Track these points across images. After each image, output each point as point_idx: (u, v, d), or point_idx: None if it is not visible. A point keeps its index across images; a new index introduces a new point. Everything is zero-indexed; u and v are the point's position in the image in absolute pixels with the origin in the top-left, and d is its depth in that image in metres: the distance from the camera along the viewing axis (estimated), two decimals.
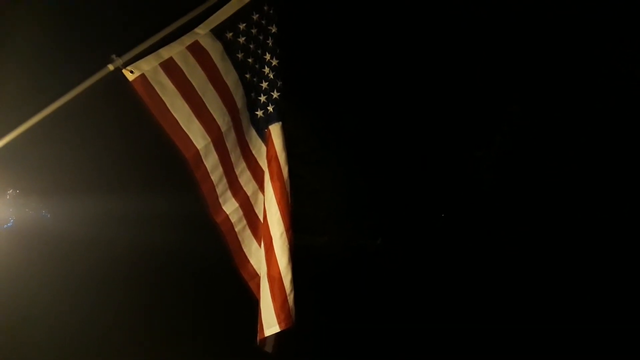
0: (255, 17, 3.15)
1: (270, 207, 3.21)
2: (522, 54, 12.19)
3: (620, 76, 11.02)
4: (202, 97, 3.01)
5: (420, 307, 9.38)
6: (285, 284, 3.12)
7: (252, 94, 3.25)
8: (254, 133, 3.31)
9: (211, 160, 3.08)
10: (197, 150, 3.01)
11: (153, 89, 2.84)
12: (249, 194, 3.32)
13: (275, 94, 3.26)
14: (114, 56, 2.76)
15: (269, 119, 3.27)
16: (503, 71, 12.63)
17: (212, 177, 3.12)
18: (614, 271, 10.50)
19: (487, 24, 11.49)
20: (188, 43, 2.95)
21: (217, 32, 3.03)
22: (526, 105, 12.72)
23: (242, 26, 3.12)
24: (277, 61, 3.25)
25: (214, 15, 3.03)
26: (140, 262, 10.97)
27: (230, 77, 3.11)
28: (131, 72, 2.78)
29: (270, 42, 3.23)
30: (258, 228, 3.34)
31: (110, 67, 2.75)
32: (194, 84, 2.97)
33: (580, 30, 10.94)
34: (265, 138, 3.28)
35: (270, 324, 3.13)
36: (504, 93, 12.90)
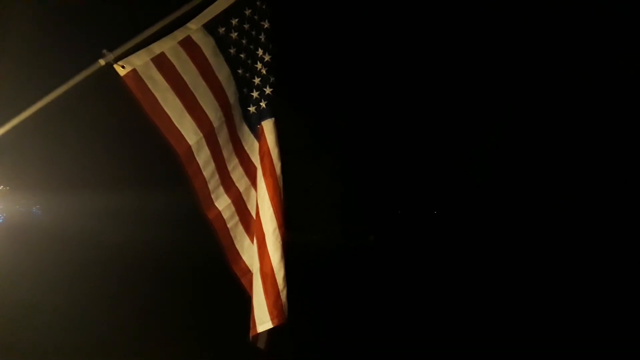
0: (247, 12, 3.14)
1: (263, 204, 3.20)
2: (516, 52, 12.24)
3: (613, 75, 11.09)
4: (194, 93, 2.99)
5: (413, 304, 9.42)
6: (277, 281, 3.12)
7: (245, 90, 3.23)
8: (246, 129, 3.30)
9: (203, 156, 3.06)
10: (189, 146, 2.99)
11: (145, 84, 2.82)
12: (241, 190, 3.30)
13: (267, 90, 3.24)
14: (105, 51, 2.74)
15: (261, 115, 3.26)
16: (497, 69, 12.67)
17: (204, 173, 3.10)
18: (609, 269, 10.58)
19: (481, 22, 11.52)
20: (180, 38, 2.93)
21: (210, 27, 3.01)
22: (520, 103, 12.78)
23: (234, 21, 3.10)
24: (269, 57, 3.23)
25: (206, 10, 3.01)
26: (132, 259, 10.93)
27: (223, 73, 3.09)
28: (122, 67, 2.75)
29: (262, 37, 3.21)
30: (251, 224, 3.33)
31: (102, 62, 2.73)
32: (185, 79, 2.95)
33: (573, 29, 11.00)
34: (258, 134, 3.27)
35: (263, 320, 3.12)
36: (498, 91, 12.95)
